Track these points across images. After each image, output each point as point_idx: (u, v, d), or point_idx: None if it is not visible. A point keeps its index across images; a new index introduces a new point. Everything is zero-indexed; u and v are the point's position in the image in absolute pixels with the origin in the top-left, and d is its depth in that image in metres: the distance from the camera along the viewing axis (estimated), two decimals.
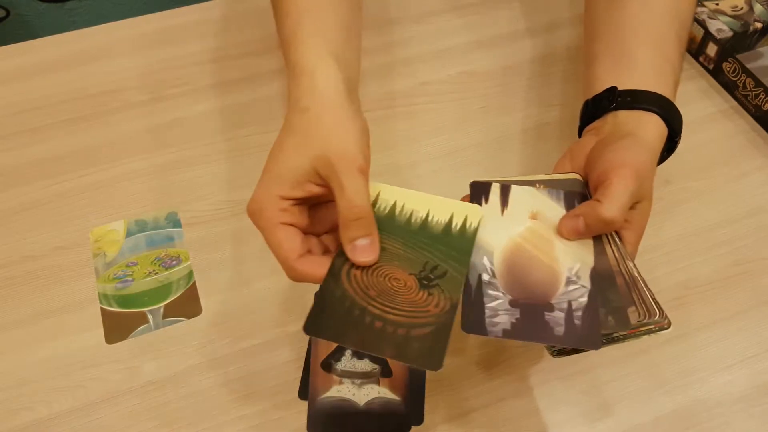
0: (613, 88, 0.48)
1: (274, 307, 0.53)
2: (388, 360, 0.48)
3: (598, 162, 0.44)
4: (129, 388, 0.49)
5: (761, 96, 0.64)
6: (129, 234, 0.57)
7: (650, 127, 0.46)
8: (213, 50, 0.72)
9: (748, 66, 0.64)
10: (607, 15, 0.54)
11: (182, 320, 0.52)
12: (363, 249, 0.39)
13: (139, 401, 0.48)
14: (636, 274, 0.41)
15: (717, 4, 0.70)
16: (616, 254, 0.42)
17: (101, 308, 0.53)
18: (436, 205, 0.43)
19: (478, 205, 0.43)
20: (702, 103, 0.67)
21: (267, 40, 0.73)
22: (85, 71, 0.70)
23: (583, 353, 0.39)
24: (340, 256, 0.40)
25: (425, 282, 0.39)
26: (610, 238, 0.43)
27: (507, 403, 0.48)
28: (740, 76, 0.65)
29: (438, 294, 0.39)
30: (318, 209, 0.42)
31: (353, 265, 0.39)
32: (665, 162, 0.62)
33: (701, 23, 0.68)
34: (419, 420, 0.47)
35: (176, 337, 0.52)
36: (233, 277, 0.55)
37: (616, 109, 0.48)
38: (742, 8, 0.70)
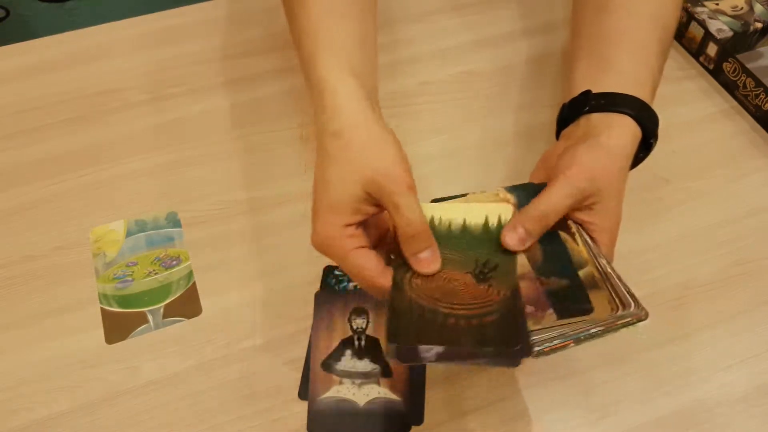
0: (588, 91, 0.49)
1: (274, 308, 0.53)
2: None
3: (558, 165, 0.45)
4: (129, 388, 0.49)
5: (761, 96, 0.64)
6: (129, 234, 0.57)
7: (621, 129, 0.46)
8: (213, 50, 0.72)
9: (749, 66, 0.64)
10: (591, 21, 0.54)
11: (182, 320, 0.52)
12: (426, 260, 0.41)
13: (139, 401, 0.48)
14: (609, 270, 0.41)
15: (717, 4, 0.70)
16: (590, 253, 0.43)
17: (101, 308, 0.53)
18: (471, 210, 0.45)
19: (508, 204, 0.45)
20: (702, 103, 0.67)
21: (267, 39, 0.73)
22: (85, 71, 0.70)
23: (565, 350, 0.39)
24: (397, 269, 0.42)
25: (481, 276, 0.41)
26: (580, 237, 0.43)
27: (507, 403, 0.48)
28: (740, 76, 0.65)
29: (496, 284, 0.41)
30: (364, 225, 0.43)
31: (413, 275, 0.41)
32: (665, 162, 0.62)
33: (701, 23, 0.68)
34: (419, 420, 0.47)
35: (176, 337, 0.52)
36: (233, 277, 0.55)
37: (590, 111, 0.48)
38: (742, 8, 0.70)
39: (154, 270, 0.55)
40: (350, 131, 0.42)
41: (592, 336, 0.39)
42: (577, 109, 0.49)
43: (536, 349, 0.39)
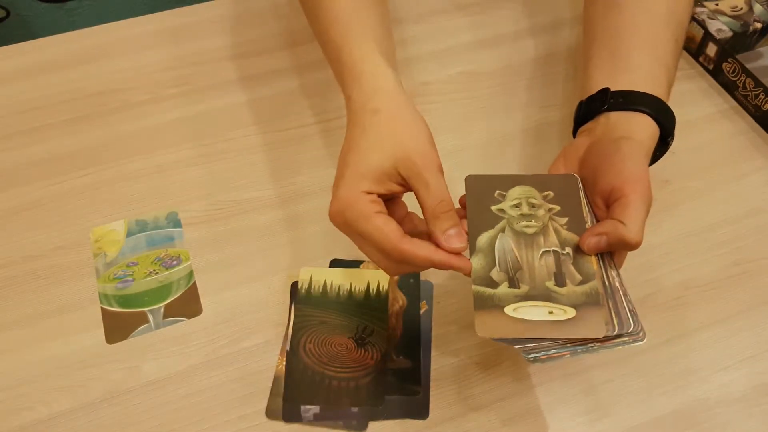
0: (606, 89, 0.49)
1: (273, 308, 0.53)
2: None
3: (604, 169, 0.44)
4: (129, 388, 0.49)
5: (761, 96, 0.64)
6: (129, 234, 0.57)
7: (642, 128, 0.47)
8: (213, 50, 0.72)
9: (748, 66, 0.64)
10: (604, 18, 0.54)
11: (182, 320, 0.52)
12: (455, 237, 0.42)
13: (140, 401, 0.48)
14: (617, 284, 0.42)
15: (717, 5, 0.70)
16: (600, 265, 0.43)
17: (102, 308, 0.53)
18: (355, 277, 0.53)
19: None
20: (702, 104, 0.67)
21: (267, 40, 0.73)
22: (86, 71, 0.70)
23: (562, 359, 0.40)
24: (294, 334, 0.50)
25: (360, 341, 0.50)
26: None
27: (507, 402, 0.48)
28: (740, 77, 0.65)
29: (371, 348, 0.50)
30: None
31: (307, 341, 0.50)
32: (665, 162, 0.62)
33: (701, 23, 0.69)
34: (425, 414, 0.48)
35: (176, 337, 0.52)
36: (233, 277, 0.55)
37: (609, 110, 0.48)
38: (741, 8, 0.70)
39: (154, 270, 0.55)
40: (388, 110, 0.44)
41: (588, 350, 0.40)
42: (595, 106, 0.49)
43: (533, 356, 0.39)
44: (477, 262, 0.42)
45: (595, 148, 0.47)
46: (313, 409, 0.47)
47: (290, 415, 0.47)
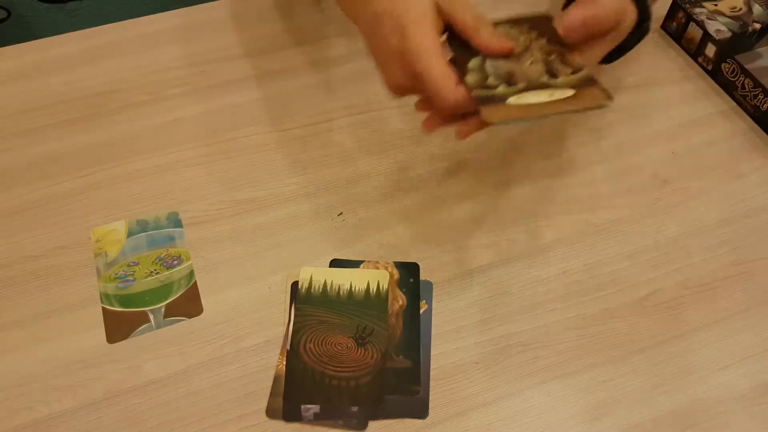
0: None
1: (274, 307, 0.53)
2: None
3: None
4: (130, 388, 0.49)
5: (760, 96, 0.64)
6: (130, 234, 0.57)
7: None
8: (213, 51, 0.72)
9: (747, 67, 0.65)
10: None
11: (183, 320, 0.53)
12: (500, 39, 0.46)
13: (140, 401, 0.49)
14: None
15: (716, 5, 0.71)
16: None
17: (102, 308, 0.53)
18: (355, 277, 0.54)
19: (386, 271, 0.54)
20: (701, 104, 0.67)
21: (268, 40, 0.73)
22: (86, 72, 0.70)
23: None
24: (295, 333, 0.50)
25: (360, 341, 0.50)
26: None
27: (507, 402, 0.49)
28: (739, 77, 0.66)
29: (371, 348, 0.50)
30: None
31: (308, 341, 0.50)
32: (665, 162, 0.62)
33: (700, 24, 0.69)
34: (424, 414, 0.48)
35: (177, 337, 0.52)
36: (234, 277, 0.55)
37: None
38: (740, 9, 0.70)
39: (155, 270, 0.55)
40: None
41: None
42: None
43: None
44: (471, 78, 0.45)
45: None
46: (314, 408, 0.47)
47: (290, 414, 0.47)
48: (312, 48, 0.71)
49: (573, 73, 0.45)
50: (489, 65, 0.46)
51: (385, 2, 0.46)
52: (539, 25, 0.49)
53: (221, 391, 0.49)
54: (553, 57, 0.46)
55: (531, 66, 0.46)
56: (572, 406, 0.48)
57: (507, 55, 0.46)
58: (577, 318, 0.53)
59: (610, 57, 0.53)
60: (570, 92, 0.43)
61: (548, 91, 0.43)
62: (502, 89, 0.44)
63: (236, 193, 0.60)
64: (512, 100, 0.43)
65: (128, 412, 0.48)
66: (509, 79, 0.45)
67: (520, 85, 0.44)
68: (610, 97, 0.42)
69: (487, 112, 0.42)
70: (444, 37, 0.48)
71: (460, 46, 0.47)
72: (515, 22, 0.49)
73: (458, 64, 0.46)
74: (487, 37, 0.46)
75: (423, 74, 0.44)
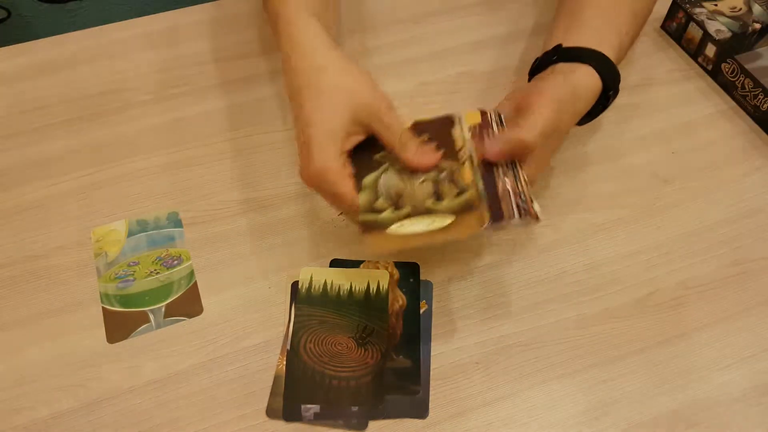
0: (559, 45, 0.53)
1: (274, 307, 0.53)
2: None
3: (523, 91, 0.50)
4: (130, 388, 0.49)
5: (760, 96, 0.64)
6: (130, 234, 0.57)
7: (582, 75, 0.51)
8: (213, 50, 0.72)
9: (747, 67, 0.65)
10: None
11: (183, 320, 0.53)
12: (426, 154, 0.48)
13: (140, 401, 0.49)
14: (508, 187, 0.46)
15: (716, 5, 0.71)
16: (499, 171, 0.48)
17: (102, 308, 0.53)
18: (355, 277, 0.54)
19: (386, 270, 0.54)
20: (701, 104, 0.67)
21: (267, 40, 0.73)
22: (86, 72, 0.70)
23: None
24: (295, 334, 0.50)
25: (361, 341, 0.50)
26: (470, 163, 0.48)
27: (507, 402, 0.49)
28: (739, 77, 0.66)
29: (371, 348, 0.50)
30: None
31: (308, 341, 0.50)
32: (664, 162, 0.62)
33: (700, 24, 0.69)
34: (424, 414, 0.48)
35: (177, 337, 0.52)
36: (234, 277, 0.55)
37: (557, 61, 0.52)
38: (740, 9, 0.70)
39: (155, 270, 0.55)
40: (332, 65, 0.48)
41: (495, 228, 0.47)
42: (547, 59, 0.53)
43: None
44: (363, 197, 0.47)
45: (537, 81, 0.52)
46: (314, 408, 0.47)
47: (290, 414, 0.47)
48: None
49: (459, 193, 0.46)
50: (382, 184, 0.48)
51: (304, 92, 0.47)
52: (441, 129, 0.50)
53: (221, 391, 0.49)
54: (444, 175, 0.48)
55: (421, 186, 0.47)
56: (572, 406, 0.48)
57: (426, 170, 0.48)
58: (577, 318, 0.53)
59: (578, 123, 0.54)
60: (450, 219, 0.45)
61: (430, 218, 0.45)
62: (387, 214, 0.46)
63: (236, 193, 0.60)
64: (393, 228, 0.45)
65: (128, 412, 0.48)
66: (397, 201, 0.47)
67: (405, 211, 0.46)
68: (483, 224, 0.44)
69: (369, 242, 0.45)
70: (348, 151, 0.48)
71: (361, 157, 0.49)
72: (419, 127, 0.50)
73: (357, 177, 0.48)
74: (412, 154, 0.48)
75: (329, 190, 0.46)
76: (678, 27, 0.72)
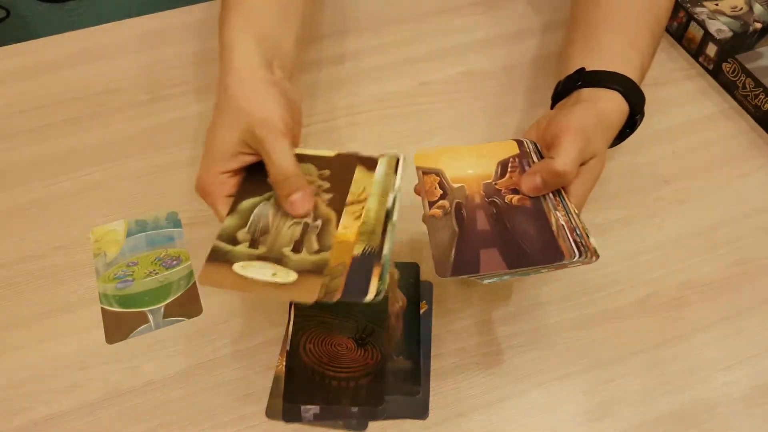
0: (582, 69, 0.52)
1: (274, 307, 0.53)
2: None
3: (550, 125, 0.48)
4: (129, 388, 0.49)
5: (761, 96, 0.64)
6: (129, 234, 0.57)
7: (608, 101, 0.50)
8: (213, 50, 0.71)
9: (748, 66, 0.64)
10: (586, 11, 0.58)
11: (182, 320, 0.52)
12: (298, 202, 0.44)
13: (140, 401, 0.48)
14: (562, 222, 0.44)
15: (717, 5, 0.70)
16: (549, 204, 0.46)
17: (102, 308, 0.53)
18: None
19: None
20: (702, 104, 0.67)
21: None
22: (85, 71, 0.70)
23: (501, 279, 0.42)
24: (295, 334, 0.50)
25: (360, 342, 0.50)
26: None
27: (507, 403, 0.48)
28: (740, 77, 0.65)
29: (371, 349, 0.49)
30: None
31: (307, 341, 0.49)
32: (665, 162, 0.62)
33: (701, 23, 0.69)
34: (424, 414, 0.48)
35: (177, 337, 0.52)
36: None
37: (582, 86, 0.51)
38: (741, 8, 0.70)
39: (154, 270, 0.55)
40: (236, 85, 0.47)
41: (530, 273, 0.43)
42: (570, 84, 0.52)
43: (486, 281, 0.42)
44: (230, 221, 0.45)
45: (556, 112, 0.50)
46: (313, 409, 0.47)
47: (290, 415, 0.47)
48: (312, 48, 0.71)
49: (317, 251, 0.42)
50: (256, 213, 0.45)
51: (216, 108, 0.47)
52: (343, 167, 0.47)
53: (221, 392, 0.49)
54: (318, 223, 0.44)
55: (289, 228, 0.44)
56: (573, 407, 0.48)
57: (295, 216, 0.44)
58: (577, 318, 0.52)
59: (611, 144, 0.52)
60: (292, 277, 0.41)
61: (274, 268, 0.42)
62: (240, 248, 0.43)
63: None
64: (237, 267, 0.42)
65: (128, 413, 0.48)
66: (258, 238, 0.43)
67: (260, 251, 0.43)
68: (315, 296, 0.40)
69: (204, 272, 0.42)
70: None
71: (257, 179, 0.46)
72: (325, 161, 0.47)
73: (239, 198, 0.46)
74: (282, 201, 0.44)
75: (210, 204, 0.47)
76: (679, 27, 0.72)
